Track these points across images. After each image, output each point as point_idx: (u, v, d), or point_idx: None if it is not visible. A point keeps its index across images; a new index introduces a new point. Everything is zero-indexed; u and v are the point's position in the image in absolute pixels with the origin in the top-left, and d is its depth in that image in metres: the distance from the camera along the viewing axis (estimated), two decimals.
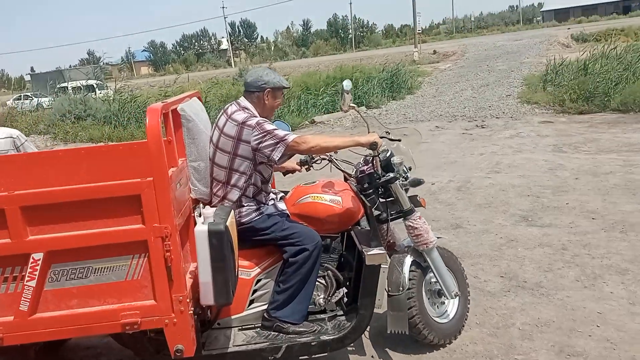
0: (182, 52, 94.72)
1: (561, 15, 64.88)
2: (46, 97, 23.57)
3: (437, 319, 3.06)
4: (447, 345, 3.07)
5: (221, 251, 2.31)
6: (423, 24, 44.59)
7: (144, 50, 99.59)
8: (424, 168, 7.48)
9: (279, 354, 2.64)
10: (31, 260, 2.17)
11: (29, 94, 28.47)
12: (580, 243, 4.39)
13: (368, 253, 2.65)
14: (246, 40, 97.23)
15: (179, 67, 75.60)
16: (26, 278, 2.18)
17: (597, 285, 3.68)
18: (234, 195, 2.77)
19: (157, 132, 2.18)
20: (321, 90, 17.55)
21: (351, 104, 2.91)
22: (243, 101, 2.85)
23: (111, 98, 18.46)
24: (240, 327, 2.81)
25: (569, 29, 37.54)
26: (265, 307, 2.80)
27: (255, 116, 2.75)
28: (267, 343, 2.66)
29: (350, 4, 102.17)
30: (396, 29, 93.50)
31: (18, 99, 25.65)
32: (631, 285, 3.63)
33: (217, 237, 2.29)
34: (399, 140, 3.08)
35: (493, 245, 4.54)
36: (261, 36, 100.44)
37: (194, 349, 2.36)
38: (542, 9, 76.41)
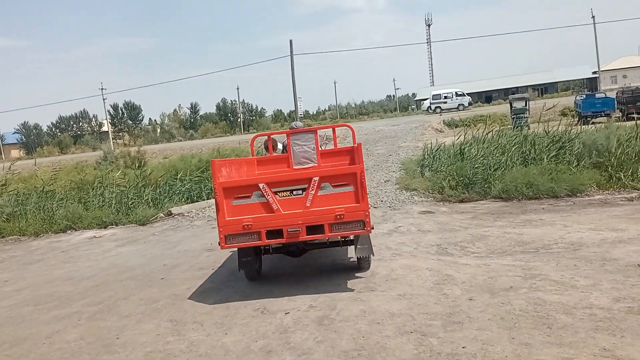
0: (59, 133, 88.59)
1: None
2: None
3: None
4: None
5: None
6: (310, 110, 45.37)
7: (15, 132, 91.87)
8: (279, 284, 5.62)
9: None
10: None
11: None
12: None
13: None
14: (130, 122, 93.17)
15: (53, 149, 69.68)
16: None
17: None
18: None
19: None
20: (187, 176, 15.53)
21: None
22: None
23: None
24: None
25: (440, 115, 39.95)
26: None
27: None
28: None
29: (238, 89, 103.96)
30: (285, 113, 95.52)
31: None
32: None
33: None
34: None
35: None
36: (149, 118, 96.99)
37: None
38: (415, 98, 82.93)
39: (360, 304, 4.71)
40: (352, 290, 5.15)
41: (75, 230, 11.08)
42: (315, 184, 4.94)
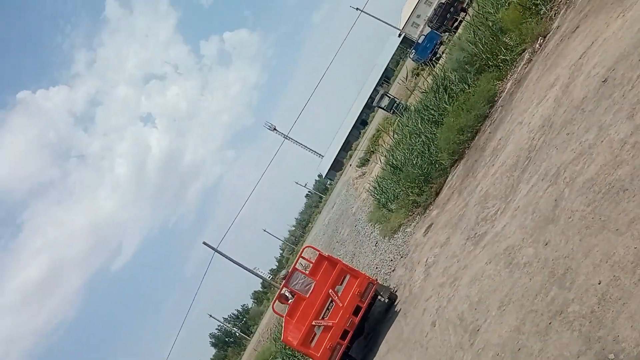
0: None
1: (335, 165, 72.04)
2: None
3: None
4: None
5: None
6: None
7: None
8: None
9: None
10: None
11: None
12: None
13: None
14: None
15: None
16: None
17: None
18: None
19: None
20: None
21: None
22: None
23: None
24: None
25: (350, 165, 40.77)
26: None
27: None
28: None
29: None
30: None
31: None
32: None
33: None
34: None
35: None
36: None
37: None
38: (324, 176, 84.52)
39: None
40: None
41: None
42: (333, 293, 7.65)
